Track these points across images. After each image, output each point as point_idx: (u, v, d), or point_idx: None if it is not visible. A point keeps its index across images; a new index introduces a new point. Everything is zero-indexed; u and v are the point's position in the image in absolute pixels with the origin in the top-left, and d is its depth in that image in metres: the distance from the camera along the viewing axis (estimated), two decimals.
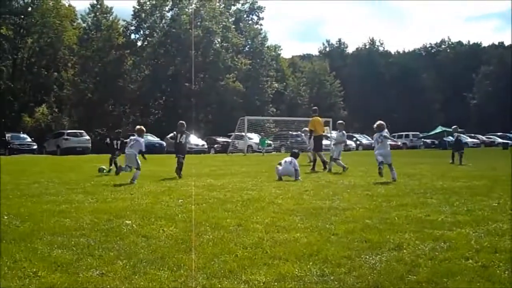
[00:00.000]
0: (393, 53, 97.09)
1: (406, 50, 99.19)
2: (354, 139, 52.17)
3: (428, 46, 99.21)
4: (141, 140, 13.19)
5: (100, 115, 52.96)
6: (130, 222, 6.79)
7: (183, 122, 15.19)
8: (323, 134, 18.62)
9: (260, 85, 61.28)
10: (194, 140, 42.84)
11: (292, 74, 75.98)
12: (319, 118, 18.03)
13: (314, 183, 11.89)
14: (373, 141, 14.04)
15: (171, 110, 54.13)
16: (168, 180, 12.95)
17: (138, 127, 13.90)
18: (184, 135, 14.86)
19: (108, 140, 18.15)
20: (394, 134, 44.21)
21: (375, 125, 13.41)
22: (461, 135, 22.90)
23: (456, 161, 20.42)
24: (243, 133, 39.62)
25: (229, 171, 16.53)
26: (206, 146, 41.81)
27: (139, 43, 59.48)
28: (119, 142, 17.52)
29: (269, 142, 41.09)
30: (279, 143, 44.15)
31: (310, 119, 18.44)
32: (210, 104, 56.50)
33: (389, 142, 13.59)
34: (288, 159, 13.35)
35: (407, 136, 55.33)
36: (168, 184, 11.79)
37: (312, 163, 17.71)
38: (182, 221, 6.86)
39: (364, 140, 53.40)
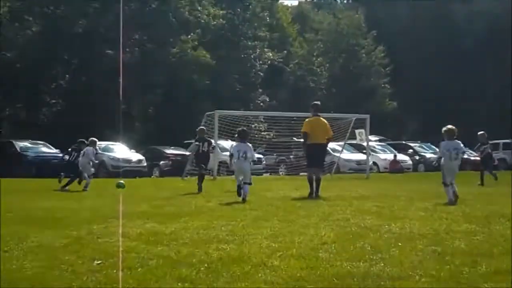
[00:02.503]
0: None
1: None
2: (411, 151, 52.04)
3: None
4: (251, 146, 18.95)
5: None
6: None
7: (203, 127, 23.40)
8: (325, 143, 20.17)
9: (242, 55, 61.73)
10: (123, 153, 42.75)
11: (299, 35, 76.32)
12: (321, 118, 19.93)
13: (339, 229, 11.84)
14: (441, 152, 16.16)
15: (80, 98, 53.88)
16: (73, 225, 12.84)
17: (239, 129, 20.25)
18: (206, 143, 23.55)
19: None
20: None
21: (445, 128, 15.41)
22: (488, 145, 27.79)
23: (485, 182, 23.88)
24: (211, 140, 39.60)
25: (187, 208, 16.52)
26: (145, 164, 42.23)
27: None
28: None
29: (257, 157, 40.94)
30: (275, 158, 44.05)
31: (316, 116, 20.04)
32: (153, 88, 56.50)
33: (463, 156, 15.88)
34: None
35: (506, 146, 54.72)
36: (75, 233, 11.68)
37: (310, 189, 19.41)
38: None
39: (428, 153, 52.68)
